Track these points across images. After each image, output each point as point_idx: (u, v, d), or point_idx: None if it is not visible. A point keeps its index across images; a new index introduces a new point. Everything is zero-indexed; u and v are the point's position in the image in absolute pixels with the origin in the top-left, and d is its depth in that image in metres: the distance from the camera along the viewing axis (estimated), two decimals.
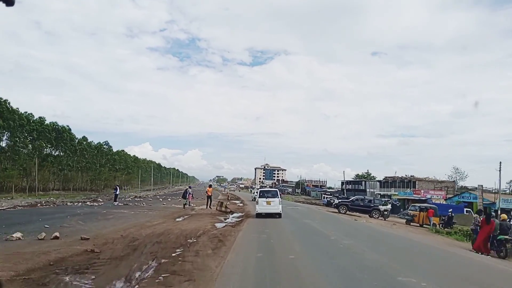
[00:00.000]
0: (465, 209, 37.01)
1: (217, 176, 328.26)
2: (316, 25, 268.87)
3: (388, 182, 71.32)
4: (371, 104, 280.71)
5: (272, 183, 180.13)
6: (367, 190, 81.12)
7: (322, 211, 30.46)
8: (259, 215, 19.76)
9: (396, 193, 62.00)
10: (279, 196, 20.83)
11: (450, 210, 28.85)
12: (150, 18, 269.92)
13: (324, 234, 13.85)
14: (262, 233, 12.94)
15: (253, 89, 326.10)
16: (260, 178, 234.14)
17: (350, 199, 31.90)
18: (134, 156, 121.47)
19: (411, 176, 69.22)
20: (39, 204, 27.47)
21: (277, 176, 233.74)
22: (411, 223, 26.40)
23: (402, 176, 67.21)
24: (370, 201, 28.91)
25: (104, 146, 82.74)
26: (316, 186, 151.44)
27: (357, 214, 28.13)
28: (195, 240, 11.02)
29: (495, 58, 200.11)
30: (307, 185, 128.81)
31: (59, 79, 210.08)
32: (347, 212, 28.77)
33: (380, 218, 27.34)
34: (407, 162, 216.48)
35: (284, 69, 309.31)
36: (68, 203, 30.32)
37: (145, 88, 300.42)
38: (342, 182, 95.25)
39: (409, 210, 29.03)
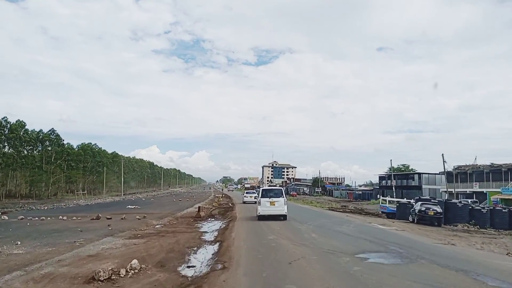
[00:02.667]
0: None
1: (224, 177, 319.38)
2: (320, 22, 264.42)
3: (465, 174, 46.83)
4: (378, 100, 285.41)
5: (282, 181, 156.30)
6: (423, 186, 56.90)
7: None
8: (262, 218, 17.20)
9: (498, 190, 37.69)
10: (284, 195, 18.17)
11: None
12: (155, 21, 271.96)
13: None
14: None
15: (259, 88, 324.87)
16: (268, 177, 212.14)
17: None
18: (114, 152, 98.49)
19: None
20: None
21: (287, 175, 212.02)
22: None
23: (495, 164, 42.59)
24: None
25: (51, 137, 59.66)
26: (333, 184, 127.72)
27: None
28: None
29: (502, 51, 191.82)
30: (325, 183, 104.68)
31: (66, 84, 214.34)
32: None
33: None
34: (415, 158, 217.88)
35: (289, 68, 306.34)
36: None
37: (151, 90, 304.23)
38: (380, 177, 71.05)
39: None
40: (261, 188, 21.28)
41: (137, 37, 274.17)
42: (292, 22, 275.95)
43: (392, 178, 54.17)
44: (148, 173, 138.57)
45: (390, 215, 30.02)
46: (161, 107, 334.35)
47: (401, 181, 59.98)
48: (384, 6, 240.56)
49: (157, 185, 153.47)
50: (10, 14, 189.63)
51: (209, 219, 18.59)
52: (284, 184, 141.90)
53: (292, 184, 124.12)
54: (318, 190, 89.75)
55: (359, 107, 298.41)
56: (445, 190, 48.38)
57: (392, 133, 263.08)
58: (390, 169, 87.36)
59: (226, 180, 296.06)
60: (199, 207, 21.37)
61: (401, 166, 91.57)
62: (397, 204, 29.51)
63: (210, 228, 14.52)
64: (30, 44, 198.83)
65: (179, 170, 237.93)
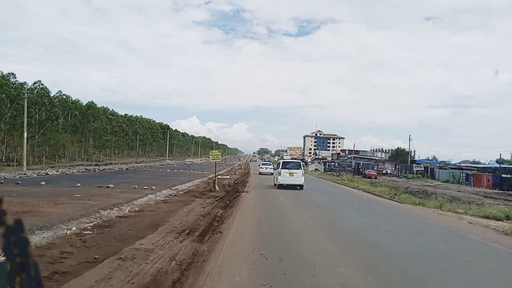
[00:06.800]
0: None
1: (261, 148, 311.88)
2: None
3: None
4: (423, 73, 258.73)
5: (333, 154, 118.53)
6: None
7: None
8: (281, 186, 19.89)
9: None
10: (302, 168, 20.91)
11: None
12: None
13: None
14: None
15: (299, 60, 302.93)
16: (310, 149, 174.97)
17: None
18: (90, 102, 66.07)
19: None
20: None
21: (333, 146, 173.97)
22: None
23: None
24: None
25: None
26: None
27: None
28: None
29: None
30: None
31: (108, 55, 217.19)
32: None
33: None
34: (460, 134, 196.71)
35: (331, 39, 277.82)
36: None
37: (191, 62, 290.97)
38: None
39: None
40: (281, 161, 23.66)
41: (178, 8, 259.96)
42: None
43: None
44: (158, 138, 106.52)
45: None
46: (201, 78, 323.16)
47: None
48: None
49: (175, 154, 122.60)
50: None
51: None
52: (337, 157, 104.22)
53: (349, 158, 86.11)
54: (416, 169, 50.47)
55: (402, 80, 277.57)
56: None
57: (437, 107, 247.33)
58: None
59: (262, 152, 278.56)
60: None
61: None
62: None
63: None
64: (74, 16, 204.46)
65: (209, 138, 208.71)
